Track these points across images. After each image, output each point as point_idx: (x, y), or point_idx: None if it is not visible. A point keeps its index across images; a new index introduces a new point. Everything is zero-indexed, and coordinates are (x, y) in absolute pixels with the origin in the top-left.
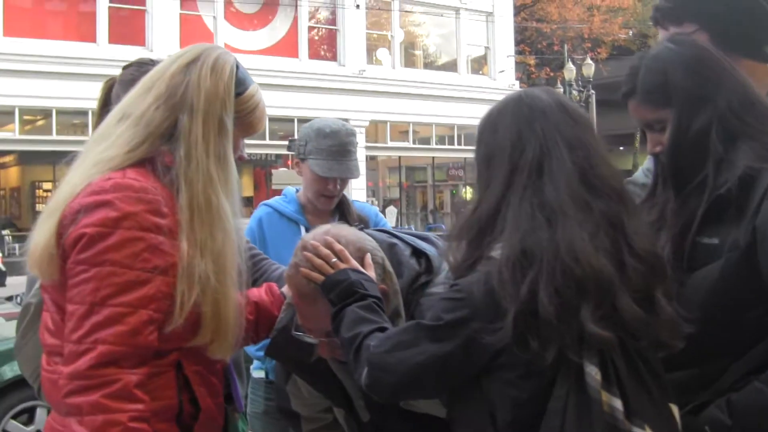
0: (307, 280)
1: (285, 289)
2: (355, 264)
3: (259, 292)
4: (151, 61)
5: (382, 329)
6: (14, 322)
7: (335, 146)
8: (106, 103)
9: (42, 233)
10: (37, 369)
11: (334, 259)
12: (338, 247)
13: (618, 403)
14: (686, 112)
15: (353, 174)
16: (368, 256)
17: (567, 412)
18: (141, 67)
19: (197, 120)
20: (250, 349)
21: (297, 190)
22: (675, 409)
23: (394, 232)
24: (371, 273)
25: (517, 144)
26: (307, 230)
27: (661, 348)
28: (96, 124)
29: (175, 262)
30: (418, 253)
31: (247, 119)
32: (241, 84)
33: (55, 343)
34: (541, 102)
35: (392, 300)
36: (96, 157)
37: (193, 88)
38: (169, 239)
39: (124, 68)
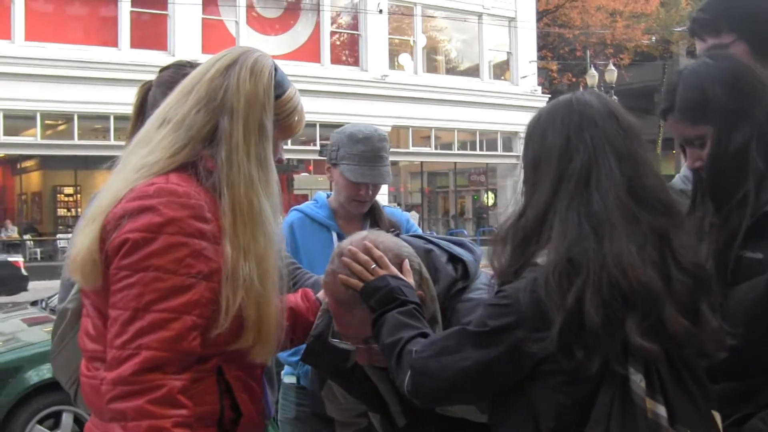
0: (345, 286)
1: (321, 294)
2: (395, 270)
3: (295, 298)
4: (189, 63)
5: (424, 335)
6: (38, 327)
7: (368, 152)
8: (142, 107)
9: (84, 239)
10: (74, 375)
11: (374, 266)
12: (377, 253)
13: (662, 410)
14: (725, 128)
15: (385, 180)
16: (406, 263)
17: (611, 419)
18: (179, 69)
19: (238, 123)
20: (282, 355)
21: (328, 195)
22: (717, 417)
23: (430, 238)
24: (409, 279)
25: (566, 151)
26: (338, 235)
27: (704, 358)
28: (132, 128)
29: (218, 268)
30: (454, 259)
31: (286, 122)
32: (279, 87)
33: (97, 348)
34: (592, 109)
35: (429, 306)
36: (138, 162)
37: (233, 92)
38: (212, 244)
39: (161, 71)
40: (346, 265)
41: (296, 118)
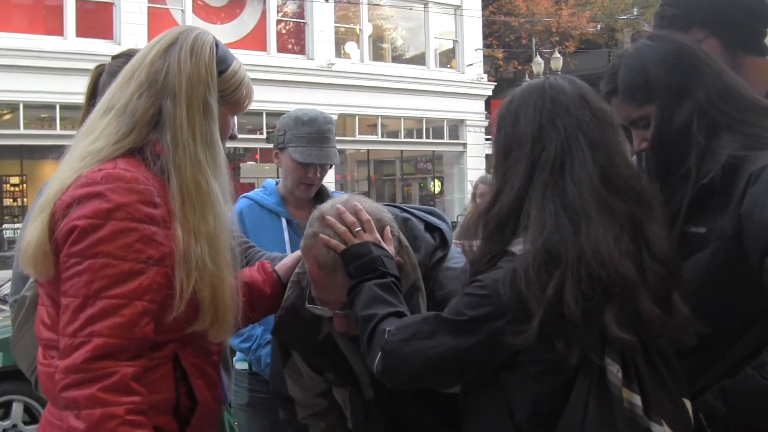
0: (327, 249)
1: (278, 266)
2: (378, 238)
3: (250, 272)
4: None
5: (398, 314)
6: None
7: (314, 133)
8: (94, 92)
9: (34, 231)
10: (33, 363)
11: (358, 228)
12: (365, 216)
13: (638, 400)
14: (668, 106)
15: (332, 160)
16: (387, 230)
17: (588, 408)
18: (129, 58)
19: (181, 105)
20: (234, 341)
21: (277, 183)
22: (688, 404)
23: (405, 207)
24: (390, 247)
25: (538, 140)
26: (288, 222)
27: (675, 345)
28: (84, 114)
29: (170, 252)
30: (430, 227)
31: (232, 97)
32: (222, 62)
33: (51, 336)
34: (565, 96)
35: (410, 274)
36: (83, 151)
37: (174, 73)
38: (162, 229)
39: (113, 58)
40: (331, 225)
41: (243, 92)
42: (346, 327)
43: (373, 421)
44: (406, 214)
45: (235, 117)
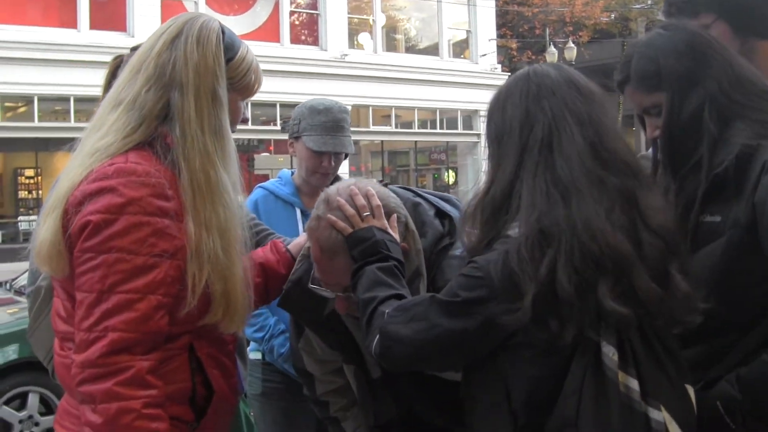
0: (330, 233)
1: (292, 245)
2: (385, 224)
3: (264, 252)
4: None
5: (399, 296)
6: (1, 309)
7: (329, 122)
8: (111, 83)
9: (47, 229)
10: (50, 351)
11: (367, 213)
12: (376, 202)
13: (634, 384)
14: (678, 94)
15: (347, 148)
16: (393, 218)
17: (583, 392)
18: None
19: (189, 96)
20: (247, 331)
21: (292, 173)
22: (690, 390)
23: (418, 191)
24: (395, 233)
25: (526, 122)
26: (302, 212)
27: (676, 325)
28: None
29: (182, 245)
30: (441, 214)
31: (242, 83)
32: (229, 49)
33: (67, 329)
34: (549, 79)
35: (413, 260)
36: (92, 146)
37: (181, 65)
38: (175, 222)
39: (132, 50)
40: (340, 206)
41: (252, 77)
42: (347, 309)
43: (380, 401)
44: (417, 199)
45: (248, 101)
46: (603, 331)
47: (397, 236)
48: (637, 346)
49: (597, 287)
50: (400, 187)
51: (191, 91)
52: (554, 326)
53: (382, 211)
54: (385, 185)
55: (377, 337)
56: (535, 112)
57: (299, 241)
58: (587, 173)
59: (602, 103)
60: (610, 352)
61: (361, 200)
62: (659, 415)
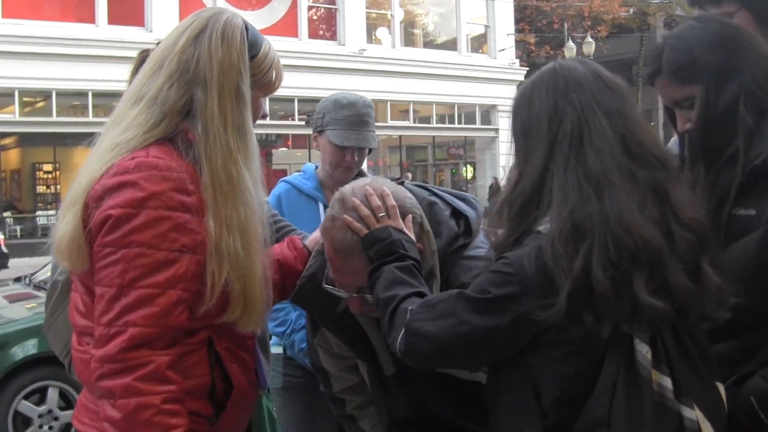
0: (344, 234)
1: (308, 241)
2: (401, 223)
3: (281, 249)
4: None
5: (420, 294)
6: (21, 304)
7: (353, 117)
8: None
9: (67, 224)
10: (67, 346)
11: (382, 214)
12: (391, 202)
13: (668, 382)
14: (713, 87)
15: (370, 143)
16: (409, 218)
17: (616, 390)
18: None
19: (212, 93)
20: (269, 326)
21: (316, 167)
22: (721, 388)
23: (434, 190)
24: (411, 234)
25: (555, 116)
26: (325, 207)
27: (706, 321)
28: None
29: (202, 240)
30: (457, 214)
31: (264, 79)
32: (253, 46)
33: (86, 324)
34: (577, 73)
35: (428, 260)
36: (112, 141)
37: (205, 61)
38: (196, 217)
39: (158, 44)
40: (356, 207)
41: (274, 74)
42: (361, 310)
43: (394, 398)
44: (433, 198)
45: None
46: (637, 328)
47: (413, 236)
48: (669, 344)
49: (632, 281)
50: (416, 185)
51: (215, 88)
52: (589, 321)
53: (398, 212)
54: (401, 183)
55: (402, 333)
56: (564, 105)
57: (316, 236)
58: (619, 166)
59: (628, 96)
60: (643, 350)
61: (376, 201)
62: (692, 413)
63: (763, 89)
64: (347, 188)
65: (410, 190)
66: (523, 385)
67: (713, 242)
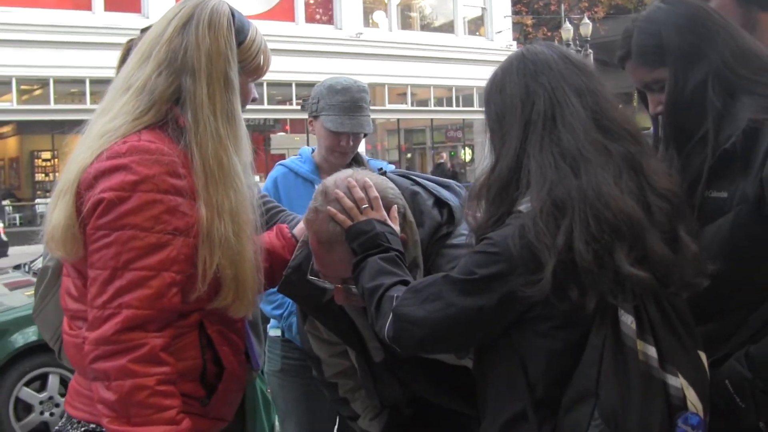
0: (328, 225)
1: (296, 230)
2: (384, 215)
3: (269, 237)
4: None
5: (405, 282)
6: (20, 291)
7: (347, 102)
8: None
9: (59, 212)
10: (57, 331)
11: (366, 206)
12: (374, 194)
13: (653, 351)
14: (681, 69)
15: (365, 128)
16: (394, 209)
17: (603, 361)
18: None
19: (201, 82)
20: (266, 308)
21: (313, 150)
22: (703, 356)
23: (417, 179)
24: (395, 225)
25: (527, 99)
26: None
27: (686, 288)
28: None
29: (194, 222)
30: (440, 202)
31: (252, 65)
32: (240, 32)
33: (78, 308)
34: (545, 56)
35: (411, 250)
36: (101, 129)
37: (193, 50)
38: (187, 200)
39: (142, 31)
40: (339, 199)
41: (262, 58)
42: (346, 300)
43: (384, 384)
44: (416, 187)
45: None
46: (621, 299)
47: (397, 228)
48: (652, 314)
49: (614, 253)
50: (398, 174)
51: (203, 76)
52: (575, 295)
53: (381, 203)
54: (383, 173)
55: (390, 320)
56: (535, 87)
57: (303, 225)
58: (592, 142)
59: (597, 75)
60: (628, 321)
61: (359, 192)
62: (677, 381)
63: (734, 71)
64: (330, 180)
65: (393, 180)
66: (510, 361)
67: (688, 211)
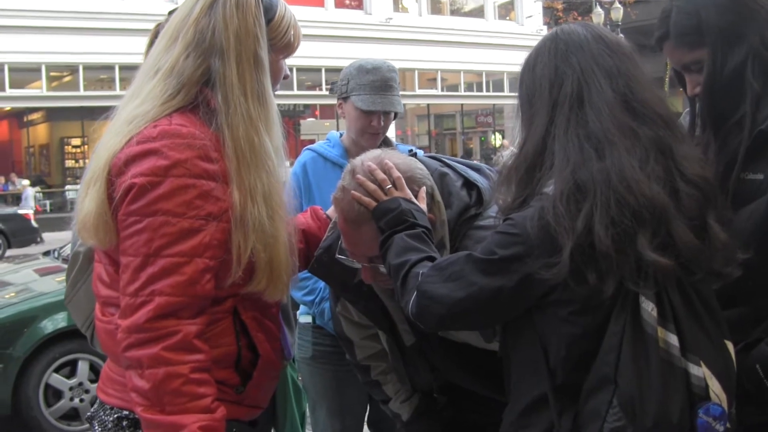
0: (354, 204)
1: (330, 211)
2: (409, 193)
3: (305, 218)
4: None
5: (431, 258)
6: (50, 277)
7: (377, 81)
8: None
9: (91, 200)
10: (89, 317)
11: (389, 186)
12: (396, 174)
13: (674, 339)
14: (720, 50)
15: (396, 107)
16: (423, 189)
17: (623, 348)
18: None
19: (230, 62)
20: (297, 295)
21: (341, 135)
22: (730, 346)
23: (447, 161)
24: (423, 204)
25: (555, 79)
26: None
27: (716, 278)
28: None
29: (227, 207)
30: (469, 184)
31: (283, 41)
32: (269, 10)
33: (110, 294)
34: (578, 36)
35: (438, 230)
36: (129, 114)
37: (221, 30)
38: (220, 184)
39: (170, 14)
40: (361, 183)
41: (292, 34)
42: (373, 279)
43: (414, 368)
44: (445, 169)
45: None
46: (642, 285)
47: (425, 207)
48: (675, 302)
49: (636, 239)
50: (428, 156)
51: (232, 56)
52: (592, 279)
53: (404, 183)
54: (414, 155)
55: (413, 296)
56: (564, 68)
57: None
58: (619, 125)
59: (631, 56)
60: (648, 307)
61: (380, 174)
62: (699, 370)
63: None
64: (357, 160)
65: (421, 161)
66: (532, 344)
67: (719, 198)
